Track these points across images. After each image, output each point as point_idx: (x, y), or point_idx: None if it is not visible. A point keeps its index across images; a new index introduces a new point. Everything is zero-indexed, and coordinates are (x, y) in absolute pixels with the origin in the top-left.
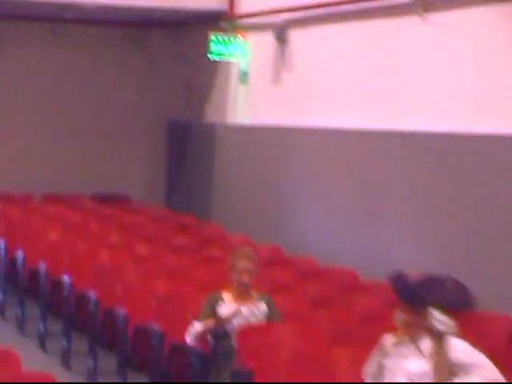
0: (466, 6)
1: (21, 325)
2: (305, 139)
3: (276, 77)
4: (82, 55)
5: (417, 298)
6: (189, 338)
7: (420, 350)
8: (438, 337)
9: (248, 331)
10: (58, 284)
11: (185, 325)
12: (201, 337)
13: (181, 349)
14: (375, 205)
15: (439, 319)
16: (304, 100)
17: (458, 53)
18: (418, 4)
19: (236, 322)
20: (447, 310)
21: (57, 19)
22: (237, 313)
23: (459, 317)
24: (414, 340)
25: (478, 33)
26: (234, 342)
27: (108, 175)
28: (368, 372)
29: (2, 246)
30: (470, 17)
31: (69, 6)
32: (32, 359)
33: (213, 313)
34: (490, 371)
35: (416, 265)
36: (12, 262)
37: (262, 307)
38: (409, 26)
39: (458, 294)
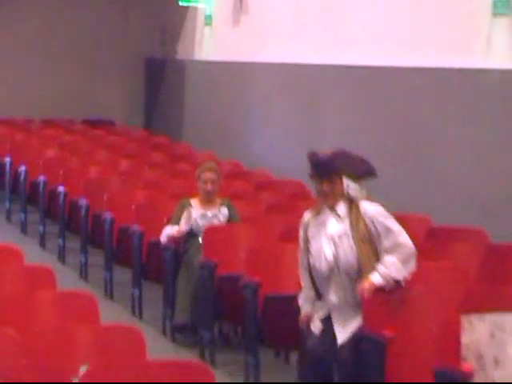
0: None
1: (24, 227)
2: (260, 72)
3: (235, 19)
4: (70, 4)
5: (331, 169)
6: (163, 238)
7: (337, 214)
8: (352, 201)
9: (212, 231)
10: (54, 193)
11: (160, 226)
12: (173, 238)
13: (157, 246)
14: (318, 127)
15: (351, 187)
16: (258, 38)
17: None
18: None
19: (202, 224)
20: (356, 178)
21: None
22: (203, 216)
23: None
24: (331, 207)
25: None
26: (201, 240)
27: (96, 103)
28: (299, 256)
29: (8, 162)
30: None
31: None
32: (33, 256)
33: (188, 215)
34: (405, 236)
35: None
36: (16, 175)
37: (224, 211)
38: None
39: (364, 165)
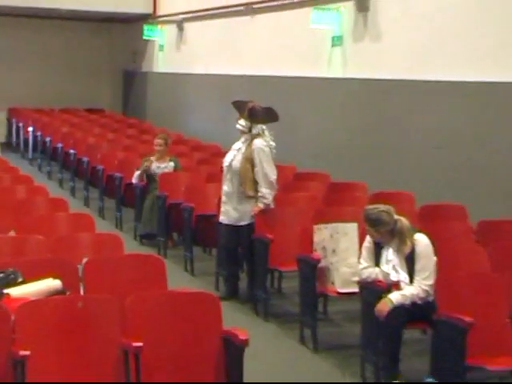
0: None
1: (72, 192)
2: (193, 78)
3: (177, 46)
4: (71, 36)
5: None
6: (134, 180)
7: (242, 142)
8: (248, 135)
9: (164, 175)
10: (67, 154)
11: (133, 171)
12: (140, 177)
13: (130, 187)
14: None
15: (242, 124)
16: (191, 58)
17: None
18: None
19: (158, 172)
20: (251, 119)
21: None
22: (158, 167)
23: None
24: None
25: None
26: (157, 182)
27: (93, 98)
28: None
29: (39, 134)
30: None
31: (54, 11)
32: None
33: (147, 166)
34: (270, 170)
35: None
36: (42, 142)
37: (171, 164)
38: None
39: (255, 109)
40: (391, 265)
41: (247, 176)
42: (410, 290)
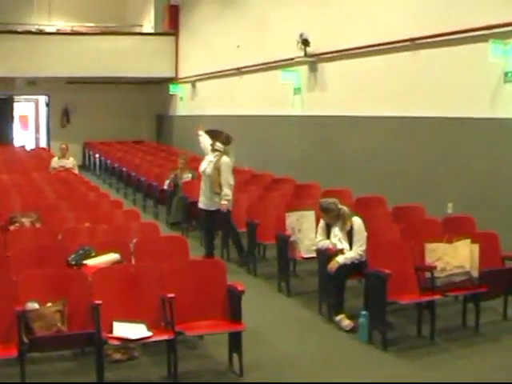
0: None
1: (125, 196)
2: (204, 119)
3: (192, 98)
4: (123, 93)
5: (212, 135)
6: (165, 186)
7: (213, 156)
8: (219, 152)
9: (186, 183)
10: (121, 171)
11: (163, 180)
12: (169, 185)
13: (164, 191)
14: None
15: (219, 146)
16: (200, 105)
17: None
18: None
19: (181, 180)
20: (223, 142)
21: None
22: (181, 177)
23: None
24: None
25: None
26: (180, 187)
27: (137, 133)
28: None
29: (103, 158)
30: None
31: (112, 78)
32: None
33: (174, 177)
34: (227, 179)
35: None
36: (105, 164)
37: (190, 175)
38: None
39: (227, 137)
40: (337, 238)
41: (216, 179)
42: (350, 254)
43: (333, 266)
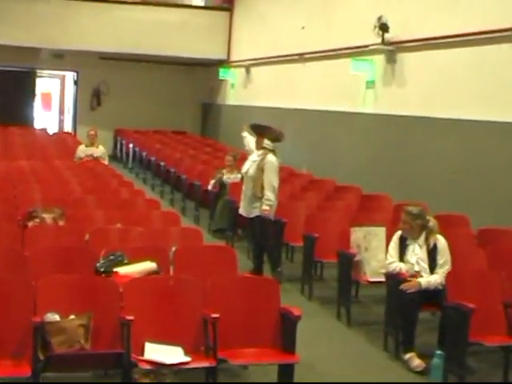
0: None
1: (162, 194)
2: (256, 110)
3: (245, 85)
4: (164, 76)
5: (260, 132)
6: (209, 187)
7: (257, 155)
8: (266, 150)
9: (233, 184)
10: (158, 165)
11: (207, 180)
12: (214, 185)
13: (207, 191)
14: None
15: (267, 143)
16: (255, 94)
17: None
18: None
19: (228, 181)
20: (273, 140)
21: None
22: (228, 178)
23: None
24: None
25: None
26: (227, 189)
27: (179, 123)
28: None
29: (137, 149)
30: None
31: (153, 56)
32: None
33: (220, 177)
34: (271, 181)
35: None
36: (140, 155)
37: (239, 176)
38: None
39: (278, 133)
40: (415, 257)
41: (259, 182)
42: (435, 278)
43: (412, 286)
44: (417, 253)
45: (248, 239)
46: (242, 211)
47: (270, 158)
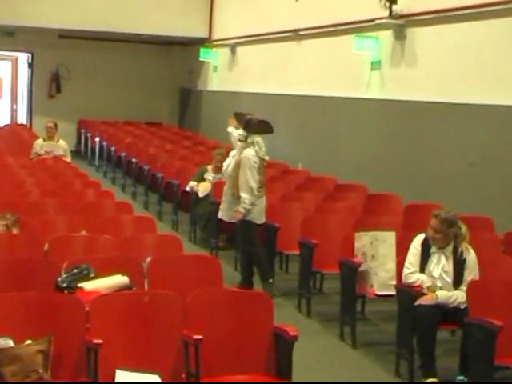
0: None
1: (134, 196)
2: (242, 96)
3: (229, 68)
4: (135, 57)
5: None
6: (188, 188)
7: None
8: (243, 143)
9: (217, 184)
10: (129, 162)
11: (187, 179)
12: (192, 189)
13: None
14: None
15: (240, 134)
16: (241, 78)
17: None
18: None
19: (213, 181)
20: (246, 129)
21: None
22: (214, 177)
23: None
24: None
25: None
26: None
27: (153, 112)
28: None
29: (105, 144)
30: None
31: (121, 34)
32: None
33: (201, 176)
34: (246, 185)
35: None
36: (108, 151)
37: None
38: None
39: (251, 121)
40: (440, 269)
41: (236, 180)
42: (456, 295)
43: (427, 300)
44: (443, 263)
45: (235, 248)
46: (221, 215)
47: (247, 152)
